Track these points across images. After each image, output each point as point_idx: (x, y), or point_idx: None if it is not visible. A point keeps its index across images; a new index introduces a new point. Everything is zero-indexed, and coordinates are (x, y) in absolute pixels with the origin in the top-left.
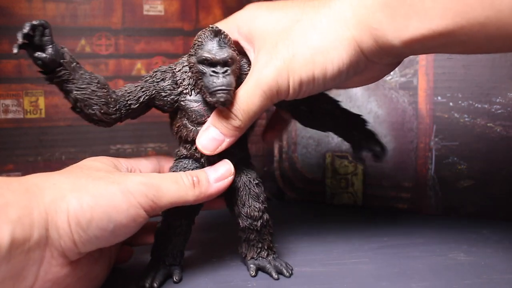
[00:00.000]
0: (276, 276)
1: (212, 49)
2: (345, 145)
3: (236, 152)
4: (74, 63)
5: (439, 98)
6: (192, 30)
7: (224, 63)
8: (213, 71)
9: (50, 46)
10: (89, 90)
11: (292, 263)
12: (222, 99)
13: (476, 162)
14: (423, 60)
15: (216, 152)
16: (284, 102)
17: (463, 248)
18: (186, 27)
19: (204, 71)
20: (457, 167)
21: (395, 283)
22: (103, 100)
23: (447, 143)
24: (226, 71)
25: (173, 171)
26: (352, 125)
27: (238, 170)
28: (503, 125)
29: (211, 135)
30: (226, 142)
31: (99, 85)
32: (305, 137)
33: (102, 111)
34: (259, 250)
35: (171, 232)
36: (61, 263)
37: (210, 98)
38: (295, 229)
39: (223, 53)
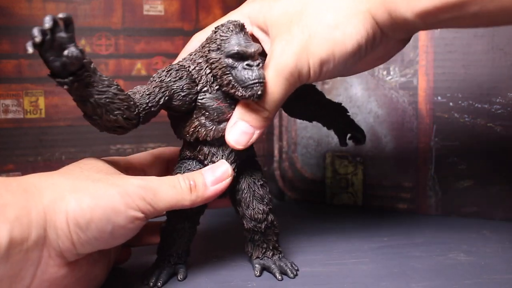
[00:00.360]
0: (280, 277)
1: (241, 42)
2: None
3: (240, 151)
4: (92, 64)
5: (439, 98)
6: (192, 30)
7: (254, 56)
8: (247, 65)
9: (73, 45)
10: (110, 93)
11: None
12: (260, 92)
13: (476, 162)
14: (423, 60)
15: (248, 146)
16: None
17: (463, 248)
18: (186, 27)
19: (235, 65)
20: (457, 167)
21: (395, 283)
22: (125, 104)
23: (447, 143)
24: (259, 64)
25: (177, 172)
26: (336, 114)
27: (242, 170)
28: (503, 125)
29: (241, 129)
30: (256, 134)
31: (119, 87)
32: (305, 137)
33: (124, 116)
34: (264, 250)
35: (175, 234)
36: (58, 263)
37: (243, 92)
38: (295, 229)
39: (253, 46)
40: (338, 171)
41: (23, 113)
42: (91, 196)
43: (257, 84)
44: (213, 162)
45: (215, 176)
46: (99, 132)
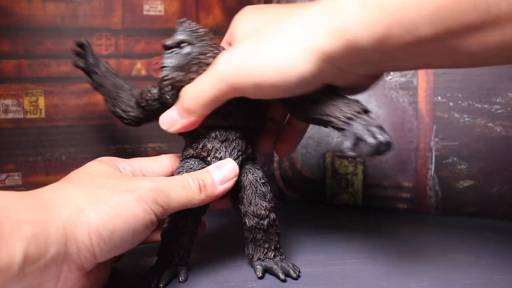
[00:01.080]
0: (283, 277)
1: (170, 37)
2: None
3: (243, 148)
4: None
5: (439, 98)
6: None
7: (175, 45)
8: (166, 53)
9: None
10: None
11: (291, 262)
12: (161, 75)
13: (476, 162)
14: None
15: (170, 131)
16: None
17: (463, 248)
18: None
19: (164, 55)
20: (457, 167)
21: (395, 283)
22: (132, 101)
23: (447, 143)
24: (172, 51)
25: (179, 172)
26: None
27: (244, 169)
28: (503, 125)
29: (170, 113)
30: (179, 123)
31: (127, 87)
32: (305, 137)
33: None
34: (266, 251)
35: (177, 233)
36: (77, 276)
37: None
38: (295, 229)
39: (175, 37)
40: (338, 171)
41: (23, 113)
42: (109, 206)
43: (162, 69)
44: (216, 158)
45: (222, 174)
46: (99, 132)
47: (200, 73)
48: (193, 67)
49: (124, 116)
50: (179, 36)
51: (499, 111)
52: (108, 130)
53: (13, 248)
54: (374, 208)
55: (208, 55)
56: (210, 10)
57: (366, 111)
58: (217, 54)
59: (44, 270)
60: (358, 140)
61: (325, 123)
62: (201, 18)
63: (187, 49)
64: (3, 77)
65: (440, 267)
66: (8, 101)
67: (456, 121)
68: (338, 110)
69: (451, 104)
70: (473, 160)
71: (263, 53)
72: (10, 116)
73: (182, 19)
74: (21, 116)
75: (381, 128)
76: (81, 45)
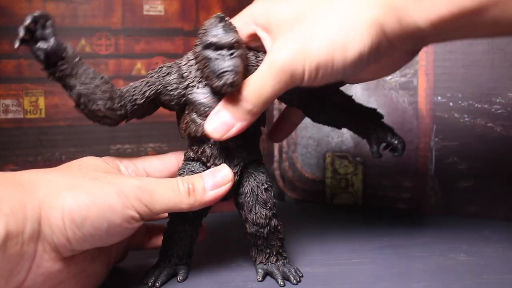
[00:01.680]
0: (281, 283)
1: (217, 33)
2: (345, 145)
3: (244, 154)
4: (77, 58)
5: (439, 98)
6: (192, 30)
7: (230, 46)
8: (219, 54)
9: (53, 38)
10: (93, 84)
11: (292, 263)
12: (229, 81)
13: (476, 162)
14: (423, 60)
15: (224, 138)
16: (296, 97)
17: (463, 248)
18: (186, 27)
19: (210, 56)
20: (457, 167)
21: (395, 283)
22: (107, 94)
23: (447, 143)
24: (232, 53)
25: (180, 174)
26: (366, 119)
27: (246, 173)
28: (503, 125)
29: (221, 119)
30: (236, 127)
31: (103, 80)
32: (305, 137)
33: (107, 106)
34: (267, 256)
35: (176, 236)
36: (53, 258)
37: (217, 83)
38: (295, 229)
39: (229, 37)
40: (338, 171)
41: (23, 113)
42: (87, 194)
43: (227, 73)
44: (216, 164)
45: (215, 180)
46: (99, 132)
47: (246, 75)
48: (244, 70)
49: (109, 113)
50: (232, 36)
51: (499, 111)
52: (108, 130)
53: None
54: (374, 208)
55: (250, 59)
56: (210, 10)
57: (382, 117)
58: (253, 55)
59: (22, 248)
60: (385, 145)
61: (351, 127)
62: (201, 18)
63: (241, 50)
64: (3, 77)
65: (440, 267)
66: (8, 101)
67: (456, 121)
68: (364, 117)
69: (451, 104)
70: (473, 160)
71: (318, 33)
72: (10, 116)
73: (222, 14)
74: (21, 116)
75: (397, 134)
76: (35, 21)
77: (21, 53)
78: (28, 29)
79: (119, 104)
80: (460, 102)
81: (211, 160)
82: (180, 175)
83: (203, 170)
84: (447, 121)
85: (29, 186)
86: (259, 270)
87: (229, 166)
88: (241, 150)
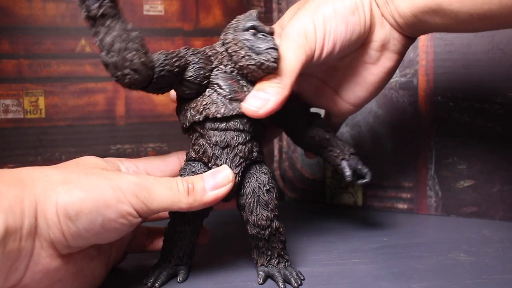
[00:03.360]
0: (282, 286)
1: (257, 21)
2: None
3: (244, 157)
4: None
5: (439, 98)
6: (192, 30)
7: (269, 32)
8: (263, 35)
9: None
10: (133, 33)
11: (292, 263)
12: (275, 56)
13: (476, 162)
14: (423, 60)
15: (261, 112)
16: (282, 116)
17: (463, 248)
18: (186, 27)
19: (250, 38)
20: (457, 167)
21: (395, 283)
22: (145, 49)
23: (447, 143)
24: (264, 35)
25: (181, 174)
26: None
27: (248, 174)
28: (503, 125)
29: (257, 96)
30: (273, 101)
31: (141, 34)
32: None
33: (142, 59)
34: (269, 258)
35: (176, 237)
36: (51, 255)
37: (258, 58)
38: (295, 229)
39: (268, 27)
40: (338, 171)
41: (23, 113)
42: (81, 188)
43: (272, 50)
44: (217, 165)
45: (215, 181)
46: (99, 132)
47: None
48: None
49: (141, 67)
50: (270, 27)
51: (499, 111)
52: (108, 130)
53: None
54: (374, 208)
55: None
56: (210, 10)
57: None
58: None
59: (20, 244)
60: (355, 170)
61: (324, 153)
62: (201, 18)
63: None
64: (3, 77)
65: (440, 267)
66: (8, 101)
67: (456, 121)
68: (341, 145)
69: (451, 104)
70: (473, 160)
71: (323, 6)
72: (10, 116)
73: (252, 10)
74: (21, 116)
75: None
76: None
77: (21, 53)
78: None
79: (151, 64)
80: (460, 102)
81: (212, 161)
82: (181, 175)
83: (205, 171)
84: (447, 121)
85: (26, 181)
86: (260, 273)
87: (230, 166)
88: (243, 149)
